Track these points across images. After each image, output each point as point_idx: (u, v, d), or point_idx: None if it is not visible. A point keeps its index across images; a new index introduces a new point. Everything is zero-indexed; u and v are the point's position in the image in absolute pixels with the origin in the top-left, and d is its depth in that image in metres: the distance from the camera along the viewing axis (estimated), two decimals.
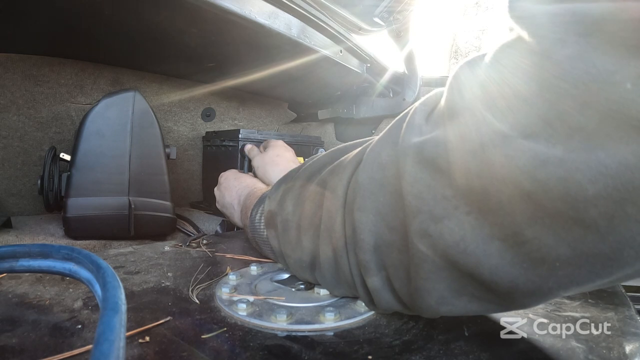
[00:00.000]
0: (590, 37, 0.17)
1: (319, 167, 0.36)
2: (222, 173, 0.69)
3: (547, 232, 0.19)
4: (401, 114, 0.29)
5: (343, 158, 0.33)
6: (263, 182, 0.64)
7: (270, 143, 0.77)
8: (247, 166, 0.90)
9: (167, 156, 0.76)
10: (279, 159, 0.67)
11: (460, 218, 0.22)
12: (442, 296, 0.25)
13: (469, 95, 0.22)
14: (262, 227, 0.43)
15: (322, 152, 0.89)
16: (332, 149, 0.38)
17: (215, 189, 0.68)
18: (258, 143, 0.92)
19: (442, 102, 0.25)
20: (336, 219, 0.30)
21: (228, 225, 0.81)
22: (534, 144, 0.19)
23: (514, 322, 0.32)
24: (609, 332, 0.30)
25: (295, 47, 0.76)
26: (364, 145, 0.32)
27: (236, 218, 0.60)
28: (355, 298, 0.34)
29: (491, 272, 0.22)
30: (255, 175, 0.69)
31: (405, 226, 0.25)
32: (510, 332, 0.30)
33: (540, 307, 0.35)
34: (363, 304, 0.33)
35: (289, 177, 0.40)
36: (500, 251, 0.21)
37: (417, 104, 0.27)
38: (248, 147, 0.81)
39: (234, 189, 0.62)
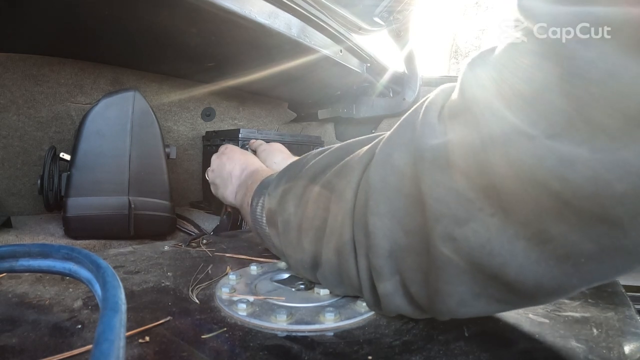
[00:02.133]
0: (612, 39, 0.18)
1: (323, 167, 0.35)
2: (225, 145, 0.65)
3: (573, 229, 0.20)
4: (410, 112, 0.28)
5: (349, 158, 0.32)
6: (265, 165, 0.61)
7: (271, 142, 0.76)
8: None
9: (167, 156, 0.76)
10: (282, 148, 0.67)
11: (485, 220, 0.22)
12: (462, 299, 0.25)
13: (485, 91, 0.22)
14: (264, 222, 0.42)
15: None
16: (335, 146, 0.37)
17: (214, 156, 0.63)
18: None
19: (455, 96, 0.24)
20: (344, 223, 0.30)
21: (232, 221, 0.79)
22: (560, 144, 0.19)
23: (515, 322, 0.32)
24: (609, 332, 0.30)
25: (295, 47, 0.76)
26: (372, 145, 0.31)
27: (228, 191, 0.56)
28: (355, 297, 0.34)
29: (517, 272, 0.22)
30: None
31: (426, 230, 0.24)
32: (511, 332, 0.30)
33: (540, 307, 0.35)
34: (364, 304, 0.33)
35: (291, 175, 0.39)
36: (525, 250, 0.21)
37: (426, 101, 0.27)
38: (252, 141, 0.78)
39: (237, 161, 0.58)
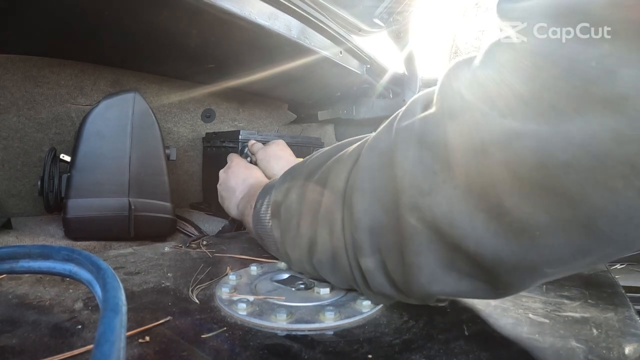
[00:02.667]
0: (564, 23, 0.19)
1: (322, 160, 0.37)
2: (232, 156, 0.68)
3: (526, 202, 0.21)
4: (398, 111, 0.30)
5: (345, 150, 0.35)
6: (265, 174, 0.64)
7: (270, 141, 0.76)
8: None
9: (167, 157, 0.76)
10: (281, 153, 0.68)
11: (448, 191, 0.24)
12: (432, 272, 0.26)
13: (460, 86, 0.24)
14: (267, 218, 0.44)
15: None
16: (334, 144, 0.40)
17: (222, 170, 0.66)
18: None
19: (435, 95, 0.26)
20: (335, 204, 0.32)
21: (237, 225, 0.80)
22: (511, 120, 0.21)
23: (515, 322, 0.32)
24: (609, 333, 0.30)
25: (295, 48, 0.77)
26: (366, 139, 0.33)
27: (233, 203, 0.59)
28: (355, 297, 0.34)
29: (476, 244, 0.23)
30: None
31: (397, 203, 0.26)
32: (511, 332, 0.30)
33: (540, 307, 0.35)
34: (364, 303, 0.33)
35: (295, 171, 0.41)
36: (484, 223, 0.23)
37: (412, 97, 0.29)
38: (251, 142, 0.79)
39: (241, 175, 0.61)
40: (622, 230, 0.20)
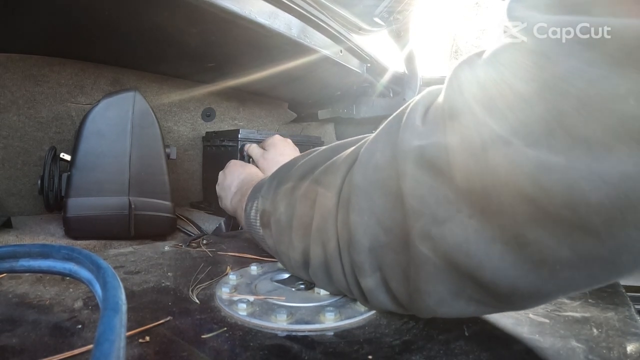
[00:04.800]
0: (595, 50, 0.18)
1: (312, 165, 0.36)
2: (232, 160, 0.70)
3: (549, 236, 0.20)
4: (395, 114, 0.28)
5: (336, 157, 0.33)
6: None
7: (268, 142, 0.76)
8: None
9: (167, 156, 0.76)
10: (282, 158, 0.67)
11: (463, 221, 0.22)
12: (441, 298, 0.25)
13: (469, 96, 0.22)
14: (258, 225, 0.43)
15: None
16: (325, 146, 0.38)
17: (221, 172, 0.68)
18: (258, 143, 0.92)
19: (441, 99, 0.24)
20: (328, 220, 0.30)
21: (233, 224, 0.80)
22: (537, 151, 0.19)
23: (515, 322, 0.32)
24: (609, 332, 0.30)
25: (295, 47, 0.76)
26: (359, 144, 0.31)
27: (228, 200, 0.61)
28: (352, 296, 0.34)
29: (492, 274, 0.22)
30: None
31: (405, 228, 0.25)
32: (511, 332, 0.30)
33: (540, 307, 0.35)
34: None
35: (282, 176, 0.40)
36: (502, 253, 0.21)
37: (412, 103, 0.27)
38: (248, 146, 0.81)
39: (235, 173, 0.63)
40: None
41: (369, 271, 0.28)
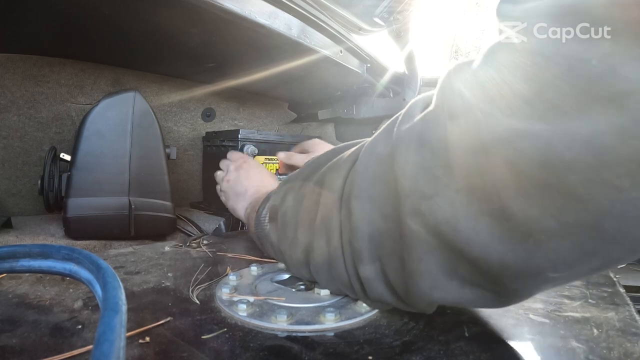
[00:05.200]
0: (566, 22, 0.20)
1: (318, 165, 0.37)
2: (232, 153, 0.69)
3: (531, 204, 0.21)
4: (395, 115, 0.30)
5: (340, 156, 0.35)
6: None
7: (308, 144, 0.74)
8: None
9: (168, 156, 0.76)
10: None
11: (451, 195, 0.23)
12: (434, 279, 0.26)
13: (458, 84, 0.23)
14: (266, 220, 0.44)
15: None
16: (330, 148, 0.40)
17: (232, 166, 0.66)
18: (257, 143, 0.92)
19: (433, 105, 0.25)
20: (333, 212, 0.31)
21: (232, 224, 0.81)
22: (514, 120, 0.20)
23: (515, 323, 0.32)
24: (609, 332, 0.30)
25: (295, 48, 0.76)
26: (361, 144, 0.33)
27: (240, 206, 0.59)
28: (349, 296, 0.34)
29: (481, 249, 0.23)
30: None
31: (399, 210, 0.26)
32: (511, 332, 0.30)
33: (540, 307, 0.35)
34: (364, 304, 0.33)
35: (293, 176, 0.42)
36: (489, 227, 0.22)
37: (411, 102, 0.29)
38: (282, 155, 0.76)
39: (253, 180, 0.61)
40: (629, 230, 0.19)
41: (369, 260, 0.29)
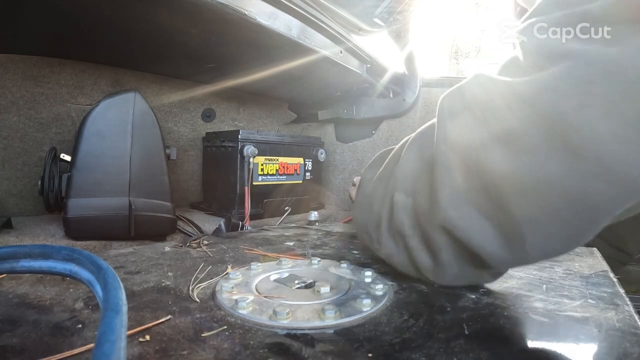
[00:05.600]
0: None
1: (390, 149, 0.47)
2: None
3: (507, 154, 0.29)
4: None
5: (400, 145, 0.44)
6: None
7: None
8: (246, 168, 0.90)
9: (168, 157, 0.76)
10: None
11: (473, 128, 0.32)
12: (452, 194, 0.32)
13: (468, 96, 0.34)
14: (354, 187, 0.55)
15: (322, 152, 0.89)
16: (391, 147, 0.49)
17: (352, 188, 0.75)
18: (257, 144, 0.92)
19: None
20: (389, 165, 0.42)
21: (232, 225, 0.81)
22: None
23: (515, 322, 0.32)
24: (609, 332, 0.30)
25: (295, 48, 0.77)
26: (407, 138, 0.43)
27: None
28: (355, 297, 0.34)
29: (493, 164, 0.30)
30: None
31: (434, 150, 0.35)
32: (511, 331, 0.30)
33: (540, 307, 0.35)
34: (364, 302, 0.33)
35: (378, 157, 0.50)
36: (498, 148, 0.30)
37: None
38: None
39: None
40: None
41: (403, 189, 0.38)
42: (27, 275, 0.38)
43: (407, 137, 0.42)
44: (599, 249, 0.56)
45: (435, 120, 0.36)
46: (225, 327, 0.29)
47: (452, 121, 0.33)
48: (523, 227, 0.29)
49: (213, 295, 0.36)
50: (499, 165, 0.29)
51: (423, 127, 0.40)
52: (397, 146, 0.44)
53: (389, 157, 0.44)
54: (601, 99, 0.25)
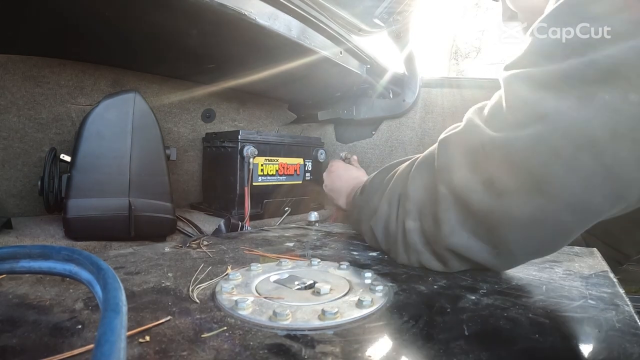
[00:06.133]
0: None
1: (397, 163, 0.54)
2: (332, 161, 0.83)
3: (502, 178, 0.36)
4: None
5: (413, 158, 0.50)
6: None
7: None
8: (246, 169, 0.90)
9: (167, 157, 0.76)
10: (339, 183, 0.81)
11: (462, 172, 0.39)
12: (452, 226, 0.40)
13: (474, 118, 0.41)
14: (358, 193, 0.59)
15: (322, 153, 0.93)
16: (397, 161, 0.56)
17: (325, 173, 0.81)
18: (257, 144, 0.92)
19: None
20: (397, 186, 0.48)
21: (232, 225, 0.81)
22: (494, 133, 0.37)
23: (515, 322, 0.32)
24: (609, 333, 0.30)
25: (295, 48, 0.77)
26: (416, 157, 0.50)
27: (341, 202, 0.75)
28: (355, 297, 0.34)
29: (478, 202, 0.38)
30: None
31: (435, 182, 0.41)
32: (511, 332, 0.30)
33: (540, 308, 0.35)
34: (364, 302, 0.33)
35: (379, 170, 0.57)
36: (481, 187, 0.37)
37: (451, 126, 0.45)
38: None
39: (344, 178, 0.77)
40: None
41: (413, 217, 0.44)
42: (27, 275, 0.38)
43: (413, 159, 0.49)
44: (597, 249, 0.56)
45: (434, 148, 0.44)
46: (225, 328, 0.29)
47: (448, 166, 0.40)
48: (511, 245, 0.38)
49: (213, 296, 0.36)
50: (487, 205, 0.37)
51: (426, 153, 0.47)
52: (404, 165, 0.50)
53: (396, 176, 0.50)
54: (565, 158, 0.33)
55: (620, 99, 0.32)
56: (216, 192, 1.00)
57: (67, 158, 0.70)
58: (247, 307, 0.32)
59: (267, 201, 0.97)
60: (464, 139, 0.40)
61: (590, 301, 0.37)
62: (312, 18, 0.74)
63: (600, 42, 0.33)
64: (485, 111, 0.40)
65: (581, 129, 0.33)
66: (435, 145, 0.45)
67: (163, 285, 0.39)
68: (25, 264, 0.32)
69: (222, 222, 0.82)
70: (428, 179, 0.43)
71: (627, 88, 0.32)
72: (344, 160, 0.91)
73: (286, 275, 0.41)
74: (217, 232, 0.80)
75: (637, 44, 0.31)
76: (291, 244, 0.60)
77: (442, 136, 0.44)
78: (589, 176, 0.33)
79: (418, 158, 0.48)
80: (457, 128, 0.42)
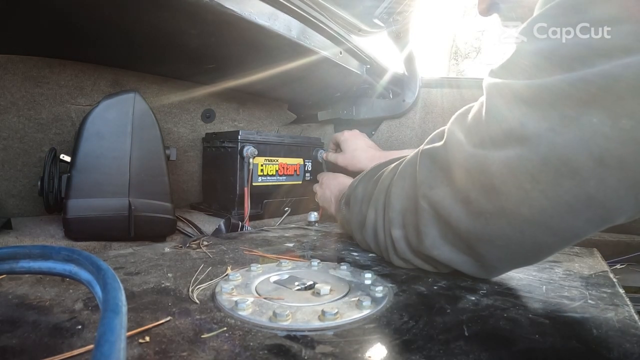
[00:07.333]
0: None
1: (378, 168, 0.56)
2: (320, 175, 0.90)
3: (480, 196, 0.36)
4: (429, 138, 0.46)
5: (395, 163, 0.50)
6: (354, 166, 0.87)
7: (340, 139, 0.93)
8: (246, 169, 0.90)
9: (167, 157, 0.76)
10: (358, 153, 0.89)
11: (443, 188, 0.39)
12: (434, 240, 0.41)
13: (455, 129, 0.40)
14: (342, 204, 0.61)
15: (322, 153, 0.97)
16: (381, 163, 0.58)
17: (317, 186, 0.87)
18: (257, 144, 0.92)
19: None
20: (380, 195, 0.48)
21: (232, 225, 0.81)
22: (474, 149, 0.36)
23: (515, 322, 0.32)
24: (609, 333, 0.30)
25: (295, 49, 0.77)
26: (401, 160, 0.50)
27: (333, 209, 0.77)
28: (355, 298, 0.34)
29: (457, 221, 0.38)
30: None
31: (416, 194, 0.41)
32: (511, 332, 0.30)
33: (540, 308, 0.35)
34: (364, 303, 0.33)
35: (361, 176, 0.59)
36: (460, 207, 0.37)
37: (432, 133, 0.46)
38: (325, 154, 1.00)
39: (332, 186, 0.80)
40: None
41: (397, 226, 0.45)
42: (27, 276, 0.38)
43: (396, 163, 0.50)
44: None
45: (417, 157, 0.44)
46: (225, 328, 0.29)
47: (429, 182, 0.40)
48: (493, 261, 0.39)
49: (213, 296, 0.36)
50: (465, 223, 0.37)
51: (408, 159, 0.47)
52: (388, 171, 0.50)
53: (380, 183, 0.50)
54: (545, 184, 0.31)
55: (610, 123, 0.28)
56: (216, 193, 1.00)
57: (67, 158, 0.70)
58: (247, 308, 0.32)
59: (267, 201, 0.97)
60: (445, 156, 0.39)
61: (590, 301, 0.37)
62: (312, 18, 0.74)
63: (592, 56, 0.29)
64: (469, 118, 0.38)
65: (563, 155, 0.30)
66: (417, 154, 0.44)
67: (163, 285, 0.39)
68: (25, 264, 0.32)
69: (222, 222, 0.81)
70: (410, 188, 0.43)
71: (619, 111, 0.28)
72: (326, 161, 0.99)
73: (286, 276, 0.41)
74: (217, 233, 0.80)
75: (637, 60, 0.27)
76: (291, 245, 0.60)
77: (424, 147, 0.43)
78: (570, 203, 0.31)
79: (401, 163, 0.48)
80: (439, 142, 0.41)
